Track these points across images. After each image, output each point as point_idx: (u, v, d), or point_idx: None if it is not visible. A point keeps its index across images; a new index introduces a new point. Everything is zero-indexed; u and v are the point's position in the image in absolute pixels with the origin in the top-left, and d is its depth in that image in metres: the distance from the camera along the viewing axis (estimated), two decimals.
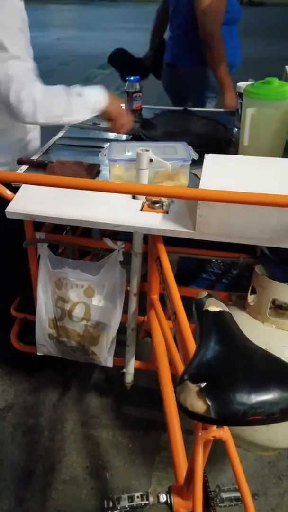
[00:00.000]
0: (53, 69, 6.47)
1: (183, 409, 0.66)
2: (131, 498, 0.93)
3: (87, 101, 1.39)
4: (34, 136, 1.61)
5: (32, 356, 1.61)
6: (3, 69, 1.27)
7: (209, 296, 0.85)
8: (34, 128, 1.60)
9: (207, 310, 0.81)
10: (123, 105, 1.56)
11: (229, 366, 0.69)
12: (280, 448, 1.31)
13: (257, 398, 0.64)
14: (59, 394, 1.82)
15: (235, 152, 1.51)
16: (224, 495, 1.02)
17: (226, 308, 0.83)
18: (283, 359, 0.73)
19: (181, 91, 2.27)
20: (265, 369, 0.69)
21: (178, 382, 0.69)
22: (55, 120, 1.37)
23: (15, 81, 1.27)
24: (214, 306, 0.82)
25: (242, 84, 1.72)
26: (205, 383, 0.65)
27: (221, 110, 2.06)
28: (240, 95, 1.72)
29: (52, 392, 1.82)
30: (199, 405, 0.64)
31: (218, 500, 1.01)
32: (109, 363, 1.49)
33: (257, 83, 1.40)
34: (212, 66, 2.05)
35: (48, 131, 1.70)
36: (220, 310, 0.81)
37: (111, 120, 1.49)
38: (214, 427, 0.79)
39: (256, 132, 1.37)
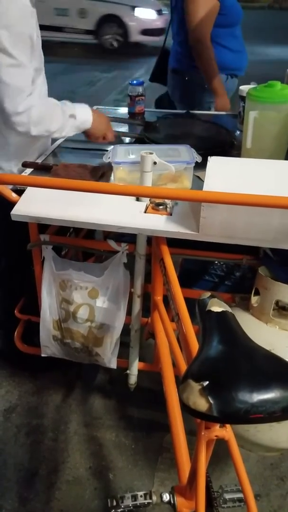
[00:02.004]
0: (57, 73, 6.50)
1: (185, 408, 0.67)
2: (134, 497, 0.94)
3: (77, 122, 1.46)
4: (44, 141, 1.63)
5: (36, 357, 1.62)
6: (3, 75, 1.27)
7: (211, 296, 0.86)
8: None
9: (210, 310, 0.82)
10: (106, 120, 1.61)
11: (231, 365, 0.70)
12: (283, 449, 1.32)
13: (258, 396, 0.65)
14: (62, 395, 1.83)
15: (238, 154, 1.52)
16: (227, 496, 1.03)
17: (228, 309, 0.84)
18: (287, 359, 0.73)
19: (183, 96, 2.29)
20: (267, 368, 0.70)
21: (181, 381, 0.70)
22: (45, 134, 1.43)
23: (14, 91, 1.28)
24: (217, 306, 0.83)
25: (244, 88, 1.73)
26: (207, 382, 0.66)
27: (223, 113, 2.07)
28: (242, 98, 1.73)
29: (56, 393, 1.83)
30: (201, 403, 0.65)
31: (221, 500, 1.01)
32: (113, 365, 1.50)
33: (259, 87, 1.42)
34: (202, 71, 2.06)
35: None
36: (222, 311, 0.82)
37: (91, 138, 1.57)
38: (217, 426, 0.80)
39: (259, 135, 1.38)
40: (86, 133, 1.55)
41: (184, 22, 2.01)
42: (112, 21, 8.18)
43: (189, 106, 2.17)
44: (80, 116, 1.46)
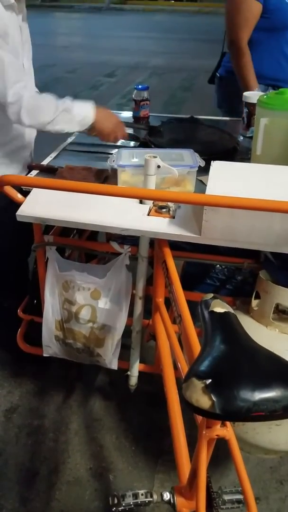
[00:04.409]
0: (60, 77, 6.52)
1: (188, 405, 0.69)
2: (135, 496, 0.95)
3: (74, 117, 1.43)
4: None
5: (37, 358, 1.63)
6: None
7: (214, 298, 0.87)
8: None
9: (213, 311, 0.84)
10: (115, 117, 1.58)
11: (234, 364, 0.71)
12: (281, 451, 1.33)
13: (260, 395, 0.66)
14: (63, 396, 1.83)
15: (241, 160, 1.54)
16: (226, 497, 1.03)
17: (231, 310, 0.85)
18: None
19: (221, 101, 2.29)
20: (268, 368, 0.72)
21: (184, 379, 0.71)
22: (37, 126, 1.41)
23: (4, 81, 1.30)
24: (220, 307, 0.84)
25: (248, 94, 1.75)
26: (210, 380, 0.67)
27: (227, 118, 2.09)
28: (245, 105, 1.75)
29: (57, 394, 1.84)
30: (204, 401, 0.66)
31: (220, 501, 1.02)
32: (114, 366, 1.51)
33: (270, 94, 1.43)
34: (236, 74, 2.02)
35: (57, 137, 1.73)
36: (225, 311, 0.84)
37: (101, 136, 1.53)
38: (218, 426, 0.81)
39: (269, 142, 1.39)
40: (94, 131, 1.51)
41: None
42: None
43: (226, 112, 2.17)
44: (78, 111, 1.43)
